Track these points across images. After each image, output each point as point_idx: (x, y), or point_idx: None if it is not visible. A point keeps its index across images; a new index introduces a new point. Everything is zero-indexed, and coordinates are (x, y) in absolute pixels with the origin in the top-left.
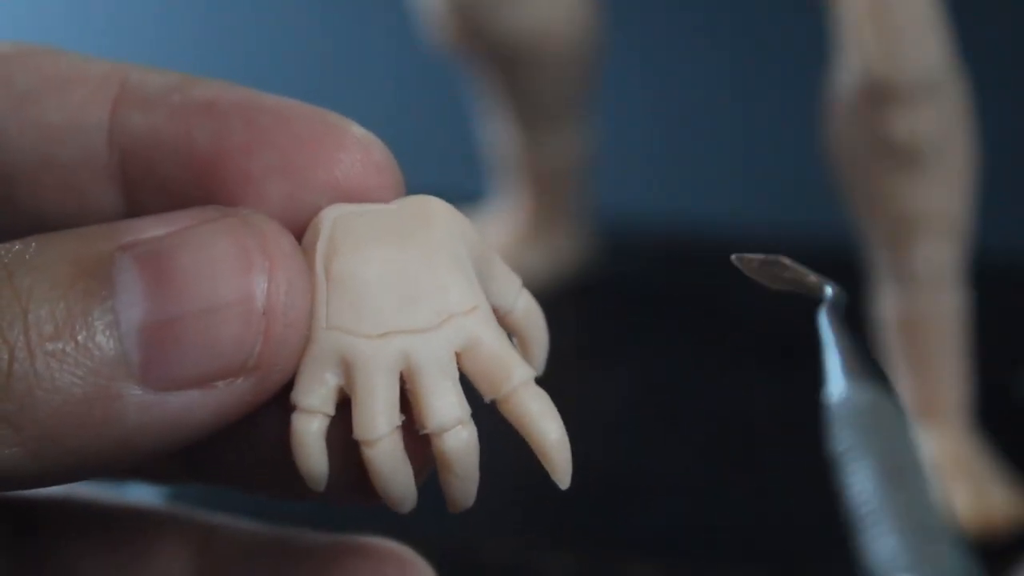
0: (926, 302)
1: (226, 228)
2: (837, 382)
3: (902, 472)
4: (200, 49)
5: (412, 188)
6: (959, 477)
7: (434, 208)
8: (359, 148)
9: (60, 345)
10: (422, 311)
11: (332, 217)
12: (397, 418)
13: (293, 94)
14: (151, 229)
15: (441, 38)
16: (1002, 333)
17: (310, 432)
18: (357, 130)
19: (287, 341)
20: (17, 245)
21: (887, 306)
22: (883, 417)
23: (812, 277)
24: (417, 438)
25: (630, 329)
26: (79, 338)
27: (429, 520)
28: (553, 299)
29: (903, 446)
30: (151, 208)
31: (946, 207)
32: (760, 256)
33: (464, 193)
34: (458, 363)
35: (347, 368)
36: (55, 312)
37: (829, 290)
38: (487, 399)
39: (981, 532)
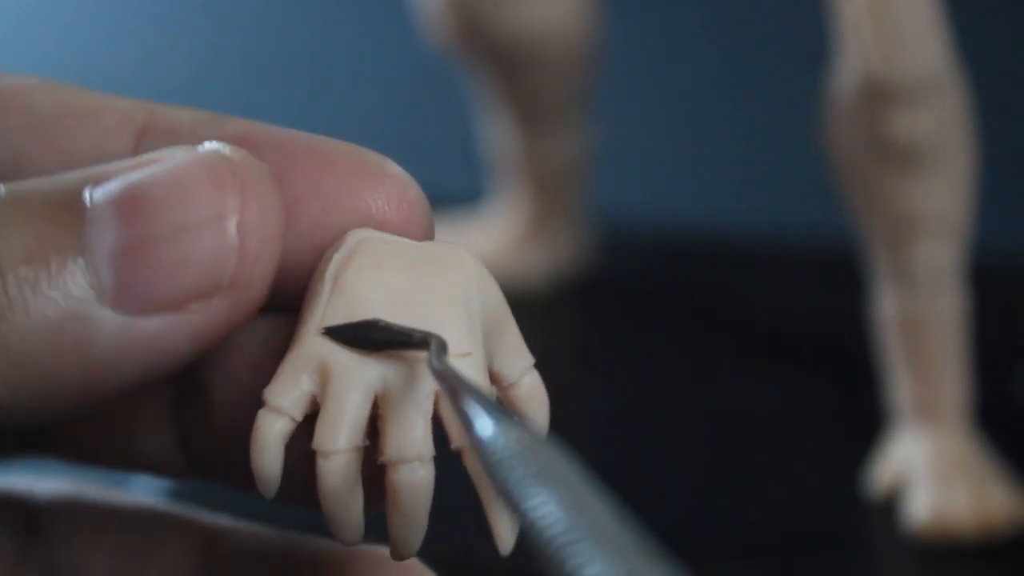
0: (926, 302)
1: (196, 155)
2: (481, 422)
3: (582, 498)
4: (200, 49)
5: None
6: (959, 477)
7: (460, 257)
8: (394, 183)
9: (32, 271)
10: None
11: (360, 236)
12: (359, 438)
13: (293, 94)
14: (120, 164)
15: (441, 38)
16: (1002, 333)
17: (271, 431)
18: (393, 166)
19: (261, 258)
20: None
21: (887, 306)
22: (541, 449)
23: (413, 331)
24: (378, 471)
25: (630, 329)
26: (52, 264)
27: (430, 524)
28: (553, 299)
29: (572, 473)
30: None
31: (946, 207)
32: (352, 323)
33: (464, 193)
34: (438, 403)
35: (324, 377)
36: (26, 240)
37: (433, 341)
38: (452, 446)
39: (981, 532)
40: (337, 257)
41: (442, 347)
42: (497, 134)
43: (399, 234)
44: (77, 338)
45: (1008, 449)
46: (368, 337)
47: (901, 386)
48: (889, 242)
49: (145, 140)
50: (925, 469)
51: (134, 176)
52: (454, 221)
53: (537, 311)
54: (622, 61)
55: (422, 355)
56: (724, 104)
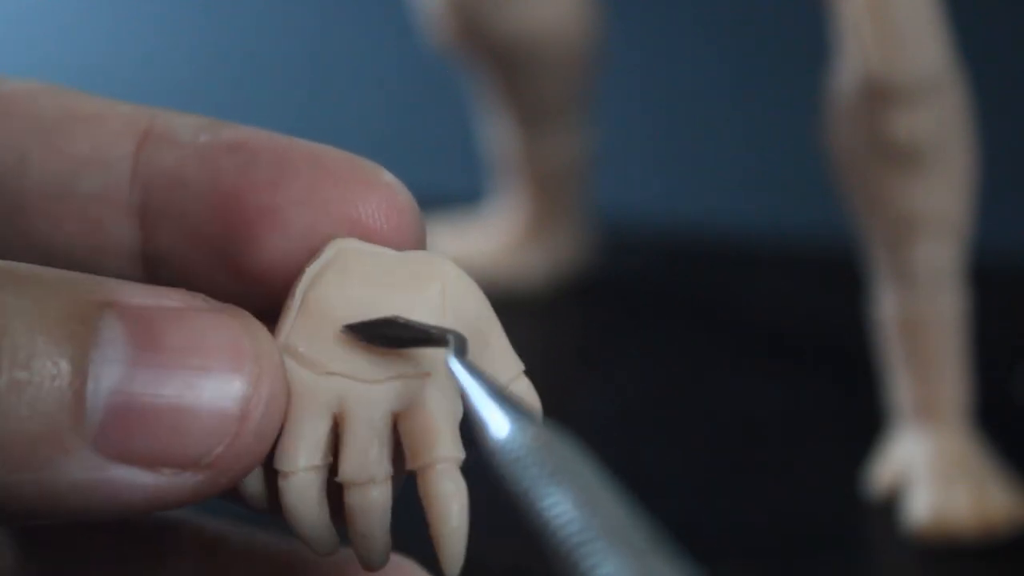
0: (926, 302)
1: (224, 323)
2: (497, 422)
3: (597, 496)
4: (200, 49)
5: (412, 188)
6: (959, 477)
7: (440, 269)
8: (385, 190)
9: (28, 375)
10: (373, 362)
11: (338, 247)
12: (319, 457)
13: (292, 94)
14: (141, 295)
15: (441, 38)
16: (1002, 333)
17: None
18: (386, 175)
19: (250, 451)
20: (7, 264)
21: (887, 306)
22: (557, 447)
23: (431, 328)
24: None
25: (630, 329)
26: (50, 375)
27: (425, 526)
28: (553, 299)
29: (588, 471)
30: (165, 244)
31: (946, 207)
32: (371, 320)
33: (464, 193)
34: (397, 424)
35: None
36: (35, 342)
37: (451, 338)
38: (408, 467)
39: (981, 532)
40: (309, 271)
41: (461, 344)
42: (497, 134)
43: (388, 242)
44: (45, 461)
45: (1008, 449)
46: (387, 334)
47: (901, 386)
48: (889, 242)
49: (147, 145)
50: (925, 469)
51: (158, 316)
52: (454, 221)
53: (537, 311)
54: (622, 61)
55: (439, 352)
56: (724, 104)
